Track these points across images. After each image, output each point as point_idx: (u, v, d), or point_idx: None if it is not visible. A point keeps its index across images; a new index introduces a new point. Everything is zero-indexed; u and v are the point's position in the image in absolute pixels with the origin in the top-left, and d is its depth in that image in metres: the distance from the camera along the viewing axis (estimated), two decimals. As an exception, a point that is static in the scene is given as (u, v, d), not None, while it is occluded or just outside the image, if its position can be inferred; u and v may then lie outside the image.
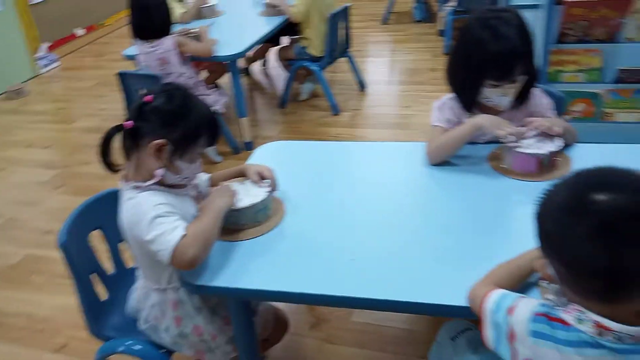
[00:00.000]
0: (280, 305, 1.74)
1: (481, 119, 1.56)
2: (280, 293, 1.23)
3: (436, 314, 1.20)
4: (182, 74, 2.95)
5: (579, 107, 2.64)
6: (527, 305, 0.92)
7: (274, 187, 1.47)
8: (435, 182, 1.57)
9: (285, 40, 4.14)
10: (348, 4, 3.78)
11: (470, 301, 1.05)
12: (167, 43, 2.87)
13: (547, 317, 0.88)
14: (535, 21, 2.56)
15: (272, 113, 4.04)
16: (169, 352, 1.46)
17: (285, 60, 3.96)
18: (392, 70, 4.76)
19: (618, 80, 2.52)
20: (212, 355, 1.43)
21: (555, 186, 0.89)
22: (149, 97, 1.26)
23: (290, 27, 3.72)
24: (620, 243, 0.79)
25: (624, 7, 2.35)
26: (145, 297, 1.41)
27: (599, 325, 0.83)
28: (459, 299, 1.09)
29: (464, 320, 1.31)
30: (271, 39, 3.85)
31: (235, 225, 1.39)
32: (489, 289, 1.01)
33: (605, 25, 2.42)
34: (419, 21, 5.65)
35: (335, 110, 3.79)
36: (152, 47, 2.87)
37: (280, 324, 1.65)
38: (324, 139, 3.41)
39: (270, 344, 1.68)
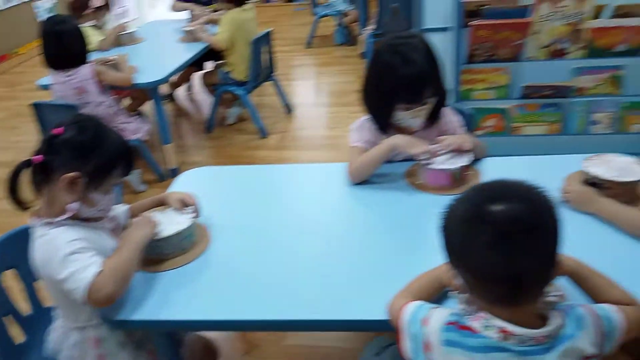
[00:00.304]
0: (211, 334, 1.71)
1: (396, 139, 1.62)
2: (204, 322, 1.22)
3: (364, 330, 1.22)
4: (101, 103, 2.87)
5: (490, 122, 2.80)
6: (439, 315, 0.96)
7: (197, 213, 1.46)
8: (357, 201, 1.61)
9: (209, 65, 4.14)
10: (270, 29, 3.84)
11: (389, 314, 1.08)
12: (84, 72, 2.79)
13: (457, 326, 0.92)
14: (445, 43, 2.71)
15: (198, 138, 4.00)
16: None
17: (210, 85, 3.96)
18: (318, 93, 4.86)
19: (523, 96, 2.70)
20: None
21: (456, 200, 0.95)
22: (58, 130, 1.23)
23: (213, 52, 3.72)
24: (515, 250, 0.85)
25: (524, 29, 2.54)
26: (64, 337, 1.35)
27: (503, 331, 0.88)
28: (383, 313, 1.12)
29: (389, 335, 1.35)
30: (195, 64, 3.84)
31: (160, 255, 1.37)
32: (406, 301, 1.04)
33: (509, 46, 2.60)
34: (340, 44, 5.82)
35: (263, 133, 3.82)
36: (67, 76, 2.78)
37: (209, 354, 1.62)
38: (252, 162, 3.42)
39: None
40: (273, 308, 1.21)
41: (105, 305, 1.18)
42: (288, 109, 4.20)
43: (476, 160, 1.73)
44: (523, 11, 2.56)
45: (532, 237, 0.86)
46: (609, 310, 0.96)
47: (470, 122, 2.03)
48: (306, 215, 1.56)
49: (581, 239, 1.32)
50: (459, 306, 0.97)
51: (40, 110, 2.79)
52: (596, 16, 2.57)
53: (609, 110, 2.70)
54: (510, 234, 0.85)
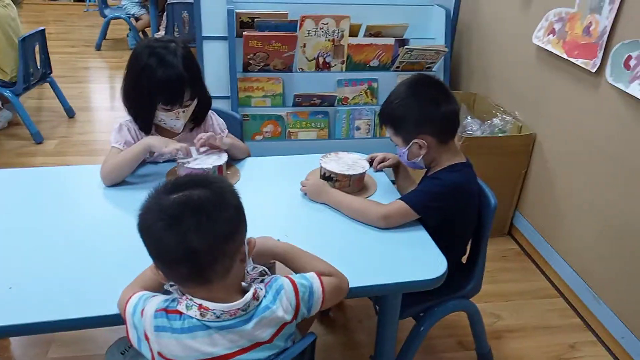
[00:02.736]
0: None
1: (150, 140, 1.67)
2: None
3: (106, 325, 1.23)
4: None
5: (268, 128, 3.00)
6: (152, 304, 1.02)
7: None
8: (111, 202, 1.61)
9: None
10: (42, 28, 3.57)
11: (119, 307, 1.10)
12: None
13: (166, 311, 1.00)
14: (224, 51, 2.83)
15: (-40, 145, 3.55)
16: None
17: (-31, 85, 3.53)
18: (105, 97, 4.64)
19: (295, 104, 2.95)
20: None
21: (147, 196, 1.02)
22: None
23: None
24: (184, 230, 0.94)
25: (292, 42, 2.78)
26: None
27: (201, 307, 0.98)
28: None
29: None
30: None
31: None
32: (132, 292, 1.08)
33: (280, 57, 2.82)
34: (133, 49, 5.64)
35: (38, 138, 3.53)
36: None
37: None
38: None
39: None
40: (9, 313, 1.16)
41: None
42: (69, 113, 3.94)
43: (239, 160, 1.86)
44: (292, 25, 2.80)
45: (199, 218, 0.95)
46: (308, 277, 1.12)
47: (241, 127, 2.15)
48: (59, 219, 1.51)
49: (315, 224, 1.54)
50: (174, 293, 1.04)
51: None
52: (353, 34, 2.93)
53: (367, 118, 3.08)
54: (178, 217, 0.94)
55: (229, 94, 2.86)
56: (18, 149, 3.48)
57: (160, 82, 1.63)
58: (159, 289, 1.14)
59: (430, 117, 1.51)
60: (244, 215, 1.03)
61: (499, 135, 2.62)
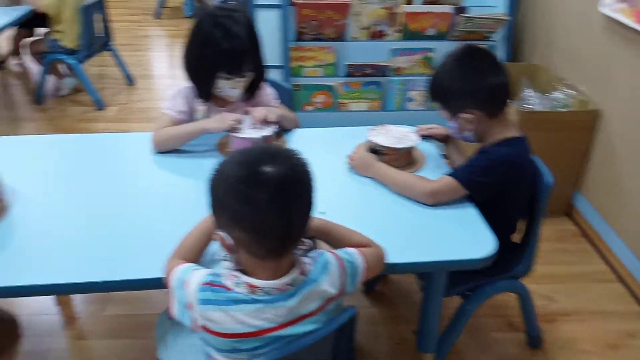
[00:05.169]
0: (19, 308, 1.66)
1: (206, 124, 1.68)
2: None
3: (157, 288, 1.28)
4: None
5: (319, 98, 2.98)
6: (196, 277, 1.04)
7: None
8: (163, 168, 1.65)
9: (39, 32, 3.85)
10: (103, -4, 3.67)
11: (164, 275, 1.13)
12: None
13: (211, 285, 1.01)
14: (276, 20, 2.81)
15: (28, 110, 3.73)
16: None
17: (37, 53, 3.69)
18: (163, 65, 4.74)
19: (348, 74, 2.91)
20: None
21: (223, 165, 1.01)
22: None
23: (40, 18, 3.47)
24: (288, 204, 0.96)
25: (345, 10, 2.72)
26: None
27: (250, 285, 0.99)
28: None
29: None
30: (27, 30, 3.56)
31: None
32: (175, 264, 1.11)
33: (333, 26, 2.78)
34: (189, 17, 5.70)
35: (100, 105, 3.66)
36: None
37: (6, 327, 1.57)
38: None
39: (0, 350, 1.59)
40: (69, 272, 1.22)
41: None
42: (129, 80, 4.06)
43: (287, 130, 1.86)
44: (345, -7, 2.74)
45: (299, 192, 0.98)
46: (351, 252, 1.12)
47: (291, 98, 2.14)
48: (111, 183, 1.57)
49: (360, 198, 1.53)
50: (223, 265, 1.06)
51: None
52: (409, 2, 2.83)
53: (421, 89, 3.00)
54: (284, 191, 0.95)
55: (281, 64, 2.85)
56: (81, 114, 3.63)
57: (224, 52, 1.62)
58: (198, 259, 1.17)
59: (476, 89, 1.46)
60: None
61: (561, 110, 2.49)
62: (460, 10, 2.82)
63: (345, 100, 2.98)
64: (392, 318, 2.05)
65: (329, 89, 2.96)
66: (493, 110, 1.48)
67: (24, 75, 4.23)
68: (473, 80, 1.46)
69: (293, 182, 0.98)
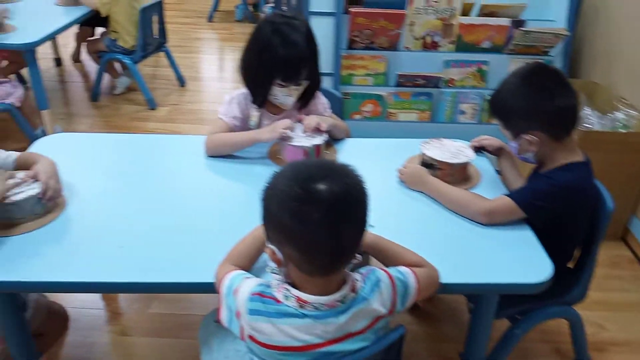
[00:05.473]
0: (66, 301, 1.70)
1: (259, 135, 1.68)
2: (44, 283, 1.22)
3: (202, 292, 1.29)
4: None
5: (368, 107, 2.95)
6: (247, 286, 1.03)
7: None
8: (220, 172, 1.66)
9: (98, 32, 3.97)
10: (161, -2, 3.75)
11: (214, 282, 1.14)
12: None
13: (261, 296, 1.01)
14: (328, 28, 2.81)
15: (85, 107, 3.85)
16: None
17: (95, 52, 3.80)
18: (215, 68, 4.82)
19: (398, 84, 2.87)
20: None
21: (277, 178, 0.99)
22: None
23: (101, 18, 3.57)
24: (341, 223, 0.94)
25: (400, 20, 2.69)
26: None
27: (300, 300, 0.98)
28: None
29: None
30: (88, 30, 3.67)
31: (10, 219, 1.35)
32: (227, 270, 1.11)
33: (386, 35, 2.75)
34: (240, 21, 5.78)
35: (152, 104, 3.75)
36: None
37: (56, 318, 1.62)
38: (139, 133, 3.35)
39: (49, 339, 1.63)
40: (119, 271, 1.24)
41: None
42: (181, 81, 4.14)
43: (338, 139, 1.85)
44: (401, 3, 2.71)
45: (352, 211, 0.96)
46: (404, 272, 1.09)
47: (339, 106, 2.13)
48: (165, 184, 1.60)
49: (410, 214, 1.49)
50: (272, 277, 1.05)
51: None
52: (465, 13, 2.78)
53: (473, 102, 2.94)
54: (336, 210, 0.93)
55: (332, 71, 2.84)
56: (133, 113, 3.72)
57: (282, 60, 1.62)
58: (249, 267, 1.17)
59: (542, 110, 1.39)
60: None
61: (621, 130, 2.39)
62: (518, 23, 2.75)
63: (394, 110, 2.95)
64: (436, 336, 2.00)
65: (378, 98, 2.93)
66: (559, 133, 1.41)
67: (82, 72, 4.37)
68: (539, 101, 1.39)
69: (346, 201, 0.95)
